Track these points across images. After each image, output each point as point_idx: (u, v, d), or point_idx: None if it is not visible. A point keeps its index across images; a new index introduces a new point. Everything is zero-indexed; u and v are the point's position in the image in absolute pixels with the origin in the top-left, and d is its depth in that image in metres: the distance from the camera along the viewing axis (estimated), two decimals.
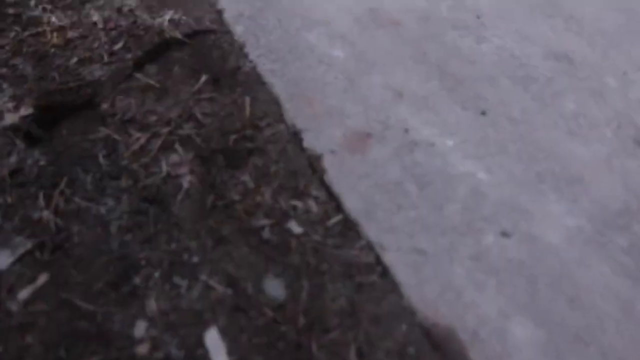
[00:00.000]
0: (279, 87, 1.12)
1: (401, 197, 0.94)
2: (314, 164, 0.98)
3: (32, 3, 1.30)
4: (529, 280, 0.83)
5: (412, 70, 1.15)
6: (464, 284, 0.83)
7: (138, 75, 1.15)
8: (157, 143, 1.02)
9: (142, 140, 1.03)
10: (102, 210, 0.94)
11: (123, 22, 1.26)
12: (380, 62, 1.17)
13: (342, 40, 1.22)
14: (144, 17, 1.27)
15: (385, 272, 0.85)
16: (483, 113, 1.07)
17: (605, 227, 0.90)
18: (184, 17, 1.28)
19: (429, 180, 0.96)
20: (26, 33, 1.22)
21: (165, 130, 1.04)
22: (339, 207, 0.93)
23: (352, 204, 0.93)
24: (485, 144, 1.02)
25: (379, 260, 0.86)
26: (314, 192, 0.95)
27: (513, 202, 0.94)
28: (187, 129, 1.05)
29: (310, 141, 1.02)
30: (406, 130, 1.03)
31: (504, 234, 0.89)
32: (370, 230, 0.89)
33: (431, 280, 0.83)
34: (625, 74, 1.15)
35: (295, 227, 0.90)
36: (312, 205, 0.93)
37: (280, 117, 1.06)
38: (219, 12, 1.30)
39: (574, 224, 0.91)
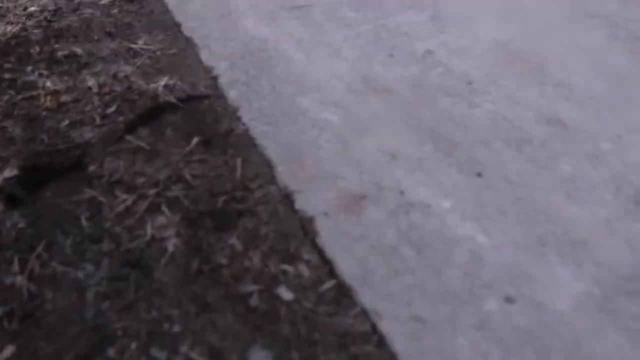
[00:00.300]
0: (271, 149, 1.11)
1: (398, 261, 0.89)
2: (306, 227, 0.94)
3: (29, 69, 1.32)
4: (538, 352, 0.77)
5: (405, 134, 1.15)
6: (468, 356, 0.76)
7: (129, 137, 1.14)
8: (144, 205, 0.98)
9: (128, 202, 0.99)
10: (80, 275, 0.88)
11: (118, 87, 1.28)
12: (374, 126, 1.17)
13: (335, 106, 1.23)
14: (139, 82, 1.29)
15: (381, 342, 0.78)
16: (479, 175, 1.05)
17: (614, 293, 0.85)
18: (179, 83, 1.30)
19: (427, 243, 0.92)
20: (19, 97, 1.22)
21: (152, 192, 1.01)
22: (332, 272, 0.88)
23: (346, 268, 0.88)
24: (483, 206, 0.99)
25: (375, 329, 0.79)
26: (306, 256, 0.90)
27: (515, 266, 0.89)
28: (176, 190, 1.01)
29: (302, 203, 0.99)
30: (401, 192, 1.01)
31: (508, 300, 0.83)
32: (366, 297, 0.83)
33: (431, 351, 0.76)
34: (620, 137, 1.15)
35: (285, 293, 0.84)
36: (304, 270, 0.88)
37: (271, 179, 1.04)
38: (214, 79, 1.32)
39: (581, 289, 0.85)
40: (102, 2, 1.65)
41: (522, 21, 1.57)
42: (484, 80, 1.31)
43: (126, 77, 1.31)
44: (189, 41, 1.46)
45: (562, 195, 1.02)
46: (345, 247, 0.91)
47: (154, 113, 1.21)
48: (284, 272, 0.87)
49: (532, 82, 1.31)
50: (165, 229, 0.95)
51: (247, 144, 1.12)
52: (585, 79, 1.34)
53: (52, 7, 1.60)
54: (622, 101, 1.28)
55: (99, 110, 1.21)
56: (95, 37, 1.47)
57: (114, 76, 1.32)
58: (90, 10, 1.61)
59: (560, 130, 1.17)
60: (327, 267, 0.88)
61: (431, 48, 1.43)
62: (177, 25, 1.54)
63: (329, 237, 0.92)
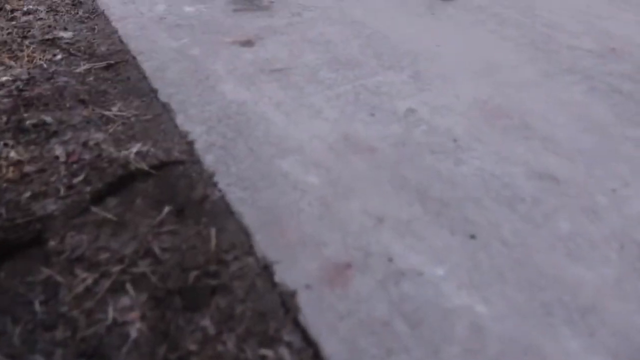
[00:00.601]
0: (249, 216, 1.03)
1: (390, 339, 0.79)
2: (286, 302, 0.85)
3: None
4: None
5: (391, 194, 1.09)
6: None
7: (95, 209, 1.05)
8: (106, 284, 0.88)
9: (89, 281, 0.89)
10: None
11: (87, 155, 1.21)
12: (357, 187, 1.11)
13: (317, 167, 1.17)
14: (110, 150, 1.22)
15: None
16: (472, 237, 0.98)
17: None
18: (152, 149, 1.24)
19: (421, 317, 0.82)
20: None
21: (116, 268, 0.91)
22: (317, 355, 0.77)
23: (332, 349, 0.77)
24: (480, 271, 0.91)
25: None
26: (287, 337, 0.80)
27: (521, 339, 0.80)
28: (143, 266, 0.92)
29: (282, 275, 0.90)
30: (390, 259, 0.93)
31: None
32: None
33: None
34: (614, 191, 1.10)
35: None
36: (285, 354, 0.77)
37: (249, 249, 0.95)
38: (190, 143, 1.26)
39: None
40: (78, 70, 1.62)
41: (499, 78, 1.57)
42: (469, 137, 1.27)
43: (97, 144, 1.25)
44: (165, 107, 1.42)
45: (563, 255, 0.95)
46: (331, 324, 0.81)
47: (124, 181, 1.13)
48: (263, 358, 0.77)
49: (517, 137, 1.28)
50: (128, 312, 0.84)
51: (223, 211, 1.05)
52: (571, 132, 1.31)
53: (25, 77, 1.56)
54: (610, 154, 1.24)
55: (65, 180, 1.13)
56: (68, 105, 1.42)
57: (84, 144, 1.25)
58: (64, 79, 1.57)
59: (553, 185, 1.12)
60: (311, 349, 0.78)
61: (413, 106, 1.40)
62: (154, 91, 1.50)
63: (312, 313, 0.83)
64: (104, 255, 0.94)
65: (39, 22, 2.06)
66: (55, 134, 1.30)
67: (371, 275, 0.90)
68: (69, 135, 1.29)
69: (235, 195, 1.08)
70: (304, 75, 1.57)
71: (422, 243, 0.96)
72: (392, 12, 2.07)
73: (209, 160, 1.20)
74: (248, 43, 1.79)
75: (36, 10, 2.27)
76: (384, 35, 1.84)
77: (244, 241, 0.97)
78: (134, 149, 1.23)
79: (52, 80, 1.55)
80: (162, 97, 1.47)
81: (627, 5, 2.16)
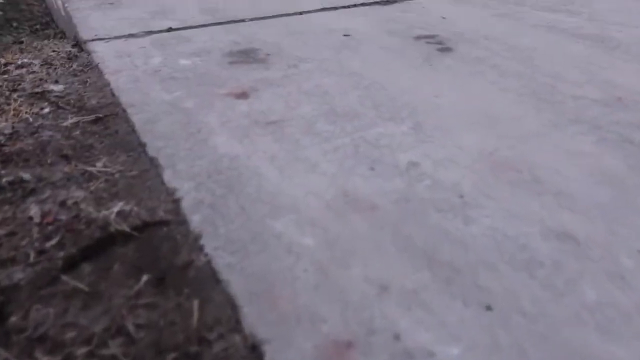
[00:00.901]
0: (237, 284, 0.92)
1: None
2: None
3: None
4: None
5: (395, 258, 0.98)
6: None
7: (66, 277, 0.95)
8: None
9: None
10: None
11: (63, 216, 1.12)
12: (358, 250, 1.01)
13: (313, 227, 1.07)
14: (89, 210, 1.13)
15: None
16: (488, 308, 0.87)
17: None
18: (135, 208, 1.14)
19: None
20: None
21: (83, 350, 0.80)
22: None
23: None
24: (499, 349, 0.80)
25: None
26: None
27: None
28: (113, 347, 0.80)
29: (273, 356, 0.78)
30: (396, 336, 0.81)
31: None
32: None
33: None
34: None
35: None
36: None
37: (235, 325, 0.84)
38: (176, 201, 1.17)
39: None
40: (65, 123, 1.56)
41: (503, 130, 1.51)
42: (477, 193, 1.18)
43: (75, 204, 1.16)
44: (152, 162, 1.34)
45: (592, 329, 0.84)
46: None
47: (101, 245, 1.04)
48: None
49: (528, 192, 1.19)
50: None
51: (208, 279, 0.94)
52: (584, 186, 1.23)
53: (8, 131, 1.50)
54: (629, 209, 1.15)
55: (37, 244, 1.03)
56: (49, 161, 1.34)
57: (62, 203, 1.16)
58: (49, 133, 1.51)
59: (572, 247, 1.02)
60: None
61: (415, 160, 1.33)
62: (142, 145, 1.43)
63: None
64: (70, 334, 0.83)
65: (31, 76, 2.03)
66: (32, 192, 1.21)
67: (375, 356, 0.78)
68: (47, 193, 1.20)
69: (222, 261, 0.98)
70: (299, 128, 1.50)
71: (433, 316, 0.85)
72: (390, 64, 2.04)
73: (195, 220, 1.10)
74: (243, 95, 1.74)
75: (30, 63, 2.25)
76: (382, 87, 1.80)
77: (230, 315, 0.86)
78: (116, 209, 1.14)
79: (36, 135, 1.49)
80: (151, 151, 1.39)
81: (627, 55, 2.14)
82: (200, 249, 1.01)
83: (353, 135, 1.46)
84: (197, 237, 1.05)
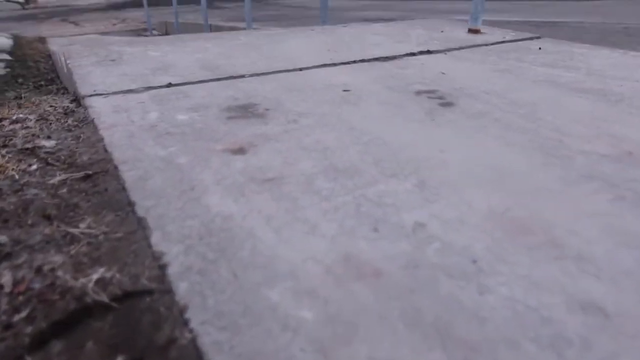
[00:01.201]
0: None
1: None
2: None
3: None
4: None
5: (404, 335, 0.87)
6: None
7: (31, 358, 0.83)
8: None
9: None
10: None
11: (37, 284, 1.01)
12: (362, 324, 0.90)
13: (312, 297, 0.97)
14: (65, 277, 1.03)
15: None
16: None
17: None
18: (117, 275, 1.04)
19: None
20: None
21: None
22: None
23: None
24: None
25: None
26: None
27: None
28: None
29: None
30: None
31: None
32: None
33: None
34: None
35: None
36: None
37: None
38: (162, 267, 1.07)
39: None
40: (52, 181, 1.49)
41: (513, 187, 1.43)
42: (491, 257, 1.09)
43: (52, 270, 1.06)
44: (140, 222, 1.25)
45: None
46: None
47: (75, 318, 0.93)
48: None
49: (547, 257, 1.10)
50: None
51: None
52: (607, 249, 1.13)
53: None
54: None
55: (4, 317, 0.93)
56: (30, 222, 1.25)
57: (38, 269, 1.06)
58: (34, 191, 1.43)
59: (602, 320, 0.91)
60: None
61: (421, 220, 1.24)
62: (131, 204, 1.34)
63: None
64: None
65: (24, 131, 1.98)
66: (7, 256, 1.11)
67: None
68: (22, 258, 1.11)
69: (209, 338, 0.87)
70: (298, 185, 1.43)
71: None
72: (391, 118, 2.00)
73: (182, 289, 1.00)
74: (240, 151, 1.68)
75: (25, 118, 2.21)
76: (383, 142, 1.74)
77: None
78: (95, 276, 1.04)
79: (19, 193, 1.41)
80: (140, 210, 1.31)
81: (632, 109, 2.10)
82: (185, 323, 0.91)
83: (354, 193, 1.38)
84: (183, 310, 0.94)
